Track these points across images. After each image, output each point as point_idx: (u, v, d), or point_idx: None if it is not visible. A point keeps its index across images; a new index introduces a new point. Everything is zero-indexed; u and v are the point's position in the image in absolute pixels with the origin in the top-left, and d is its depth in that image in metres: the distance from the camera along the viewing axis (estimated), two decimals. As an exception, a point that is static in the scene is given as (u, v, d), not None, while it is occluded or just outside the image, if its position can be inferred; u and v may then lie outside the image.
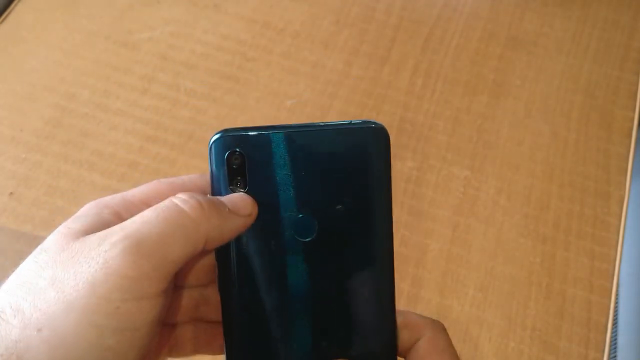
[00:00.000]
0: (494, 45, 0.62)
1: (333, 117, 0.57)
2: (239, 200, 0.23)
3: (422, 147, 0.55)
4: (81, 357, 0.19)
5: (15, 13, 0.64)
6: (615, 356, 0.63)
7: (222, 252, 0.24)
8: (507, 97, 0.58)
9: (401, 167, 0.54)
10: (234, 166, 0.24)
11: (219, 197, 0.23)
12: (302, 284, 0.24)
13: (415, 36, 0.62)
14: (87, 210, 0.23)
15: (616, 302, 0.49)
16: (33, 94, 0.58)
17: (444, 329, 0.25)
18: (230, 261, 0.24)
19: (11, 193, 0.52)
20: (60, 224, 0.23)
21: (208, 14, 0.64)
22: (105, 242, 0.20)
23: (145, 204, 0.23)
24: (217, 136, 0.24)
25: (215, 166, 0.24)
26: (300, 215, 0.24)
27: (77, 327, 0.19)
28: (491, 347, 0.47)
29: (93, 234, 0.21)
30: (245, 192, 0.24)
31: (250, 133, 0.24)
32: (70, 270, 0.20)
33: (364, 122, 0.24)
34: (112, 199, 0.24)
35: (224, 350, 0.24)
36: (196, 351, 0.26)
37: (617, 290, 0.49)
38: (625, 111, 0.57)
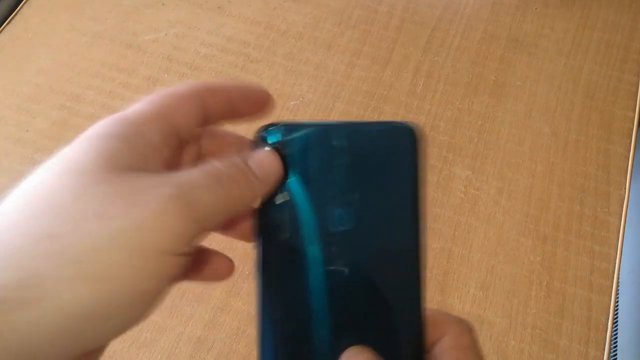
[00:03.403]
0: (494, 47, 0.62)
1: (336, 117, 0.57)
2: (265, 161, 0.24)
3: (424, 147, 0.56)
4: (118, 295, 0.19)
5: (22, 15, 0.65)
6: (615, 354, 0.63)
7: (264, 243, 0.25)
8: (507, 97, 0.59)
9: (403, 167, 0.55)
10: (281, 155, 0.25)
11: (246, 161, 0.24)
12: (335, 276, 0.25)
13: (417, 38, 0.63)
14: (118, 129, 0.22)
15: (616, 301, 0.49)
16: (39, 95, 0.59)
17: (471, 329, 0.25)
18: (271, 251, 0.25)
19: (18, 193, 0.53)
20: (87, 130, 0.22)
21: (212, 16, 0.64)
22: (161, 193, 0.20)
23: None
24: (262, 129, 0.25)
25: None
26: (335, 209, 0.25)
27: (121, 267, 0.19)
28: (492, 345, 0.47)
29: (145, 176, 0.21)
30: (285, 185, 0.25)
31: (294, 126, 0.25)
32: (121, 208, 0.19)
33: (401, 122, 0.25)
34: (139, 117, 0.23)
35: (257, 338, 0.25)
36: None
37: (617, 289, 0.49)
38: (625, 111, 0.58)
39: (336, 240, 0.25)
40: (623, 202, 0.53)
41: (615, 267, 0.50)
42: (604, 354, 0.47)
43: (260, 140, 0.25)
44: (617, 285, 0.49)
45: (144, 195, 0.20)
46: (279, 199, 0.24)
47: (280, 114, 0.57)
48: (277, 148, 0.25)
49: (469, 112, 0.58)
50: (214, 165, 0.22)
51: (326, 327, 0.25)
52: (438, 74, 0.60)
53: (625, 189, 0.53)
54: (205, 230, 0.21)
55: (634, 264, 0.69)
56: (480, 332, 0.47)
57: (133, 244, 0.19)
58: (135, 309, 0.20)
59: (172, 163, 0.24)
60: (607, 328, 0.47)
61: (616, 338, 0.65)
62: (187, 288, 0.49)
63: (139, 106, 0.23)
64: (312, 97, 0.59)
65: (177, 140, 0.24)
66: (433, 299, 0.49)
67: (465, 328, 0.25)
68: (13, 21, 0.64)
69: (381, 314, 0.25)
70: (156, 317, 0.48)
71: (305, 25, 0.64)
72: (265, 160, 0.24)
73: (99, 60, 0.61)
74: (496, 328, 0.48)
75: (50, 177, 0.20)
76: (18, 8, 0.65)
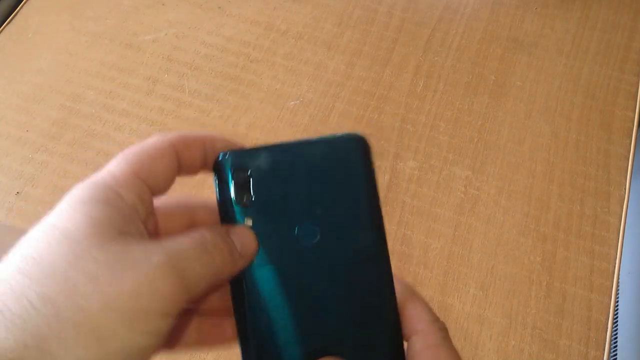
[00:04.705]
0: (494, 47, 0.62)
1: (335, 117, 0.57)
2: (246, 239, 0.25)
3: (424, 147, 0.56)
4: (114, 356, 0.20)
5: (22, 15, 0.65)
6: (615, 354, 0.63)
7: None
8: (507, 97, 0.59)
9: (403, 168, 0.55)
10: (239, 183, 0.25)
11: (229, 233, 0.25)
12: (308, 287, 0.26)
13: (417, 38, 0.63)
14: (100, 194, 0.22)
15: (616, 301, 0.49)
16: (39, 95, 0.59)
17: (442, 328, 0.26)
18: (246, 273, 0.26)
19: (18, 193, 0.53)
20: (73, 203, 0.22)
21: (212, 16, 0.64)
22: (153, 260, 0.21)
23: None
24: (221, 156, 0.26)
25: (221, 184, 0.26)
26: (300, 224, 0.26)
27: (115, 329, 0.20)
28: (492, 345, 0.47)
29: (133, 241, 0.21)
30: (249, 207, 0.26)
31: (250, 151, 0.26)
32: (113, 273, 0.20)
33: (347, 134, 0.27)
34: (126, 181, 0.24)
35: (240, 347, 0.26)
36: (200, 342, 0.27)
37: (617, 289, 0.49)
38: (626, 111, 0.58)
39: (305, 254, 0.25)
40: (623, 202, 0.53)
41: (615, 267, 0.50)
42: (603, 354, 0.47)
43: (219, 168, 0.26)
44: (617, 285, 0.49)
45: (135, 261, 0.21)
46: (247, 224, 0.25)
47: (280, 114, 0.57)
48: (238, 174, 0.25)
49: (469, 112, 0.58)
50: (203, 234, 0.23)
51: (305, 335, 0.25)
52: (438, 74, 0.60)
53: (625, 189, 0.53)
54: (192, 295, 0.22)
55: (634, 264, 0.69)
56: (480, 332, 0.47)
57: (127, 307, 0.20)
58: None
59: (148, 220, 0.24)
60: (607, 328, 0.47)
61: (616, 338, 0.65)
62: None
63: (114, 168, 0.23)
64: (312, 97, 0.59)
65: (151, 198, 0.24)
66: (433, 299, 0.49)
67: (435, 325, 0.26)
68: (13, 21, 0.64)
69: (357, 317, 0.26)
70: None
71: (305, 26, 0.64)
72: (245, 234, 0.25)
73: (99, 60, 0.61)
74: (496, 328, 0.48)
75: (43, 245, 0.21)
76: (18, 8, 0.65)
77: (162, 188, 0.25)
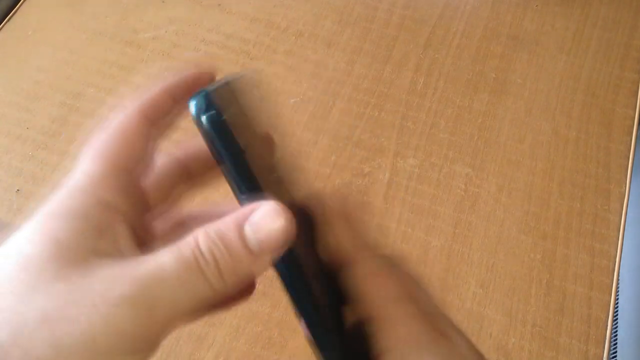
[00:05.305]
0: (495, 44, 0.62)
1: (336, 115, 0.57)
2: (270, 223, 0.19)
3: (424, 145, 0.56)
4: None
5: (21, 12, 0.65)
6: (615, 352, 0.63)
7: None
8: (508, 95, 0.59)
9: (403, 165, 0.55)
10: (222, 131, 0.20)
11: (241, 227, 0.19)
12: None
13: (417, 35, 0.63)
14: (69, 204, 0.19)
15: (616, 299, 0.49)
16: (39, 93, 0.59)
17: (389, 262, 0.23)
18: None
19: (18, 190, 0.53)
20: (39, 215, 0.19)
21: (212, 13, 0.64)
22: (113, 291, 0.18)
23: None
24: (193, 108, 0.21)
25: (208, 142, 0.21)
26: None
27: None
28: (492, 343, 0.47)
29: (104, 267, 0.18)
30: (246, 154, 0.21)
31: (216, 88, 0.21)
32: (66, 311, 0.17)
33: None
34: (103, 183, 0.20)
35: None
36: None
37: (617, 287, 0.49)
38: (626, 109, 0.58)
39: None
40: (623, 200, 0.53)
41: (615, 264, 0.50)
42: (604, 352, 0.47)
43: (196, 123, 0.21)
44: (617, 283, 0.49)
45: (94, 294, 0.18)
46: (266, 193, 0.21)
47: (281, 112, 0.57)
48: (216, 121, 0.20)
49: (469, 110, 0.58)
50: (191, 248, 0.19)
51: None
52: (438, 72, 0.60)
53: (625, 186, 0.53)
54: (178, 323, 0.19)
55: (634, 262, 0.69)
56: (480, 330, 0.48)
57: (85, 348, 0.17)
58: None
59: (141, 222, 0.21)
60: (607, 325, 0.47)
61: (616, 336, 0.65)
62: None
63: (88, 166, 0.20)
64: (312, 95, 0.59)
65: (138, 185, 0.21)
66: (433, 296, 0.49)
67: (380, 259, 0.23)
68: (13, 18, 0.64)
69: None
70: (156, 315, 0.48)
71: (305, 23, 0.64)
72: (271, 225, 0.19)
73: (99, 58, 0.61)
74: (496, 326, 0.48)
75: (2, 274, 0.18)
76: (18, 5, 0.65)
77: (147, 163, 0.22)
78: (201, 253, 0.19)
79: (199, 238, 0.19)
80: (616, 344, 0.64)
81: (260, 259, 0.19)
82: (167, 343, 0.47)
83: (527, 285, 0.49)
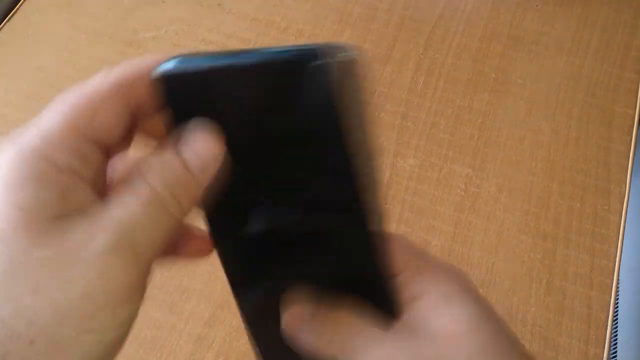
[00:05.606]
0: (495, 44, 0.62)
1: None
2: (201, 145, 0.20)
3: (424, 144, 0.56)
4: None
5: (22, 12, 0.65)
6: (615, 352, 0.64)
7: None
8: (508, 95, 0.59)
9: (403, 165, 0.55)
10: (177, 111, 0.21)
11: (179, 152, 0.20)
12: (280, 228, 0.23)
13: (417, 35, 0.63)
14: (32, 167, 0.18)
15: (616, 299, 0.49)
16: (39, 93, 0.59)
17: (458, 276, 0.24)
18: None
19: (18, 190, 0.53)
20: None
21: (212, 13, 0.64)
22: (96, 240, 0.18)
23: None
24: (156, 74, 0.20)
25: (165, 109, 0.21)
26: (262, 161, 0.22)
27: (75, 336, 0.18)
28: (492, 342, 0.47)
29: (74, 224, 0.18)
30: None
31: (194, 59, 0.20)
32: (58, 274, 0.17)
33: (316, 48, 0.19)
34: (42, 142, 0.19)
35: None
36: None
37: (617, 287, 0.49)
38: (626, 109, 0.58)
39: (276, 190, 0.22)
40: (623, 200, 0.53)
41: (615, 264, 0.50)
42: (604, 352, 0.47)
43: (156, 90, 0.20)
44: (617, 283, 0.49)
45: (79, 252, 0.18)
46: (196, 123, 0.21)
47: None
48: (175, 101, 0.20)
49: (469, 110, 0.58)
50: (148, 187, 0.19)
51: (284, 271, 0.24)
52: (438, 72, 0.60)
53: (625, 186, 0.53)
54: (155, 259, 0.20)
55: (634, 262, 0.69)
56: (480, 330, 0.47)
57: (83, 312, 0.18)
58: None
59: (100, 177, 0.21)
60: (607, 326, 0.47)
61: (616, 336, 0.65)
62: (187, 286, 0.49)
63: (45, 123, 0.19)
64: (312, 95, 0.59)
65: (99, 155, 0.20)
66: (433, 296, 0.49)
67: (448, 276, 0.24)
68: (13, 18, 0.64)
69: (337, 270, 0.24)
70: (156, 315, 0.48)
71: (305, 23, 0.64)
72: (204, 145, 0.20)
73: (99, 58, 0.61)
74: (496, 325, 0.48)
75: None
76: (18, 5, 0.65)
77: (114, 139, 0.20)
78: (156, 190, 0.19)
79: (147, 175, 0.19)
80: (616, 344, 0.64)
81: (204, 175, 0.20)
82: (167, 343, 0.47)
83: (527, 285, 0.49)
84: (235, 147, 0.21)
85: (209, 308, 0.48)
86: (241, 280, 0.24)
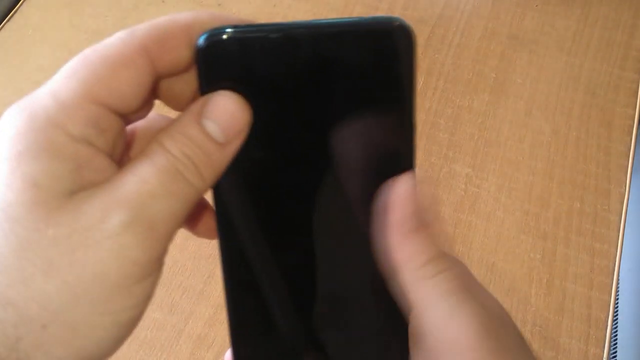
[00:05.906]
0: (495, 44, 0.62)
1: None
2: (227, 114, 0.19)
3: (424, 144, 0.56)
4: (97, 343, 0.17)
5: (22, 12, 0.65)
6: (615, 352, 0.64)
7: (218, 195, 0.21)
8: (508, 95, 0.59)
9: (403, 165, 0.55)
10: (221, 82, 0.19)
11: (200, 119, 0.19)
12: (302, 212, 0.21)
13: (417, 35, 0.62)
14: (46, 138, 0.17)
15: (616, 299, 0.49)
16: (39, 93, 0.59)
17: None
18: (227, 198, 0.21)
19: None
20: None
21: (212, 13, 0.64)
22: (111, 217, 0.17)
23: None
24: (200, 41, 0.19)
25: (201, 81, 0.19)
26: (305, 136, 0.20)
27: (90, 319, 0.17)
28: (492, 342, 0.47)
29: (86, 200, 0.17)
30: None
31: (244, 32, 0.19)
32: (70, 255, 0.16)
33: (385, 19, 0.20)
34: (58, 108, 0.18)
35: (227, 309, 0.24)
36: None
37: (617, 287, 0.49)
38: (626, 109, 0.58)
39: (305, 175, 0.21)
40: (623, 200, 0.53)
41: (615, 264, 0.50)
42: (603, 352, 0.47)
43: (198, 59, 0.19)
44: (617, 283, 0.49)
45: (91, 231, 0.17)
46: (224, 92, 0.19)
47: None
48: (222, 72, 0.19)
49: (469, 110, 0.58)
50: (166, 154, 0.18)
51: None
52: (438, 72, 0.60)
53: (625, 186, 0.53)
54: (170, 237, 0.18)
55: (634, 262, 0.69)
56: (480, 330, 0.47)
57: (98, 293, 0.17)
58: (114, 346, 0.18)
59: (119, 145, 0.19)
60: (607, 325, 0.47)
61: (616, 336, 0.65)
62: (187, 285, 0.49)
63: (61, 87, 0.18)
64: (312, 95, 0.59)
65: (117, 125, 0.19)
66: (433, 296, 0.49)
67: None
68: (13, 18, 0.64)
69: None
70: (156, 315, 0.48)
71: (305, 23, 0.63)
72: (228, 111, 0.19)
73: (99, 58, 0.61)
74: (496, 325, 0.48)
75: None
76: (18, 5, 0.65)
77: (134, 107, 0.19)
78: (175, 157, 0.18)
79: (166, 143, 0.18)
80: (616, 344, 0.64)
81: (228, 147, 0.19)
82: (167, 343, 0.47)
83: (526, 285, 0.49)
84: (268, 125, 0.20)
85: (209, 308, 0.48)
86: (237, 275, 0.23)
